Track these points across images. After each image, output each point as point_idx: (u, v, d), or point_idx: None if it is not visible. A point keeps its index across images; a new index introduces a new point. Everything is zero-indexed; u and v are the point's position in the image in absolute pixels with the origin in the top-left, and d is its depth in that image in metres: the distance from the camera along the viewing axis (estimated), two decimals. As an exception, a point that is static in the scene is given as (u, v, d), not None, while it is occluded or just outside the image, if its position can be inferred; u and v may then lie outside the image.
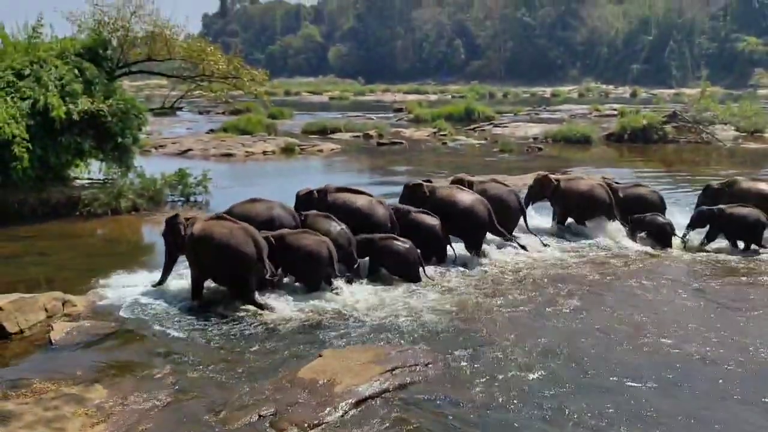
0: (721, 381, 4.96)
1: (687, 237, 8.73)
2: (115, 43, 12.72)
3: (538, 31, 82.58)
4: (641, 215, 8.84)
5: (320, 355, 5.22)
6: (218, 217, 6.80)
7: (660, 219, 8.87)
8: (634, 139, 22.02)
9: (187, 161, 15.74)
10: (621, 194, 9.27)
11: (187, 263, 6.77)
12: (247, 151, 18.89)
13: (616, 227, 9.02)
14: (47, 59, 11.15)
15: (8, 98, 10.46)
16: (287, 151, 19.43)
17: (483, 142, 22.96)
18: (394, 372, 4.97)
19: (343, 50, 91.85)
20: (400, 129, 26.24)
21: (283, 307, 6.34)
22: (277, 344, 5.59)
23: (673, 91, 57.28)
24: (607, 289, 7.15)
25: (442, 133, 24.38)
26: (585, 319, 6.22)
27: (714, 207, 8.64)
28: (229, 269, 6.39)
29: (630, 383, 4.89)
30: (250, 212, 7.31)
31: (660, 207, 9.22)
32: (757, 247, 8.41)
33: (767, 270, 7.82)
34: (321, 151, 19.79)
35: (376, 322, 6.06)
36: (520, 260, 8.12)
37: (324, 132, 24.48)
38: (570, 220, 9.51)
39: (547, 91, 62.95)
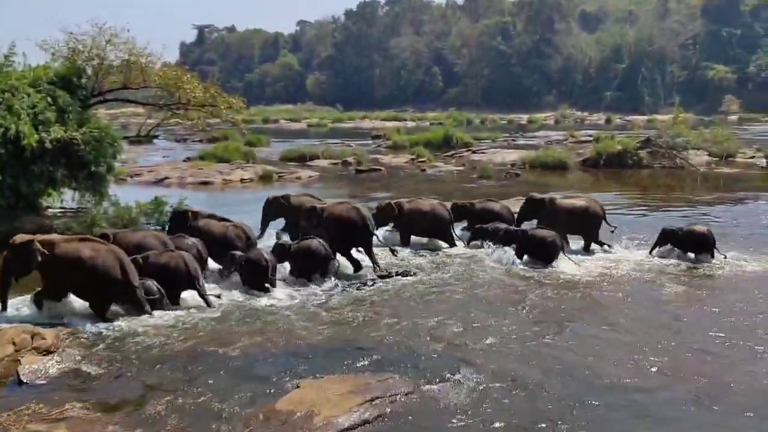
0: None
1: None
2: (89, 71, 12.61)
3: (514, 59, 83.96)
4: (484, 225, 9.84)
5: (298, 386, 5.09)
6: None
7: (501, 227, 9.74)
8: (609, 165, 22.29)
9: (164, 189, 15.57)
10: (474, 208, 10.68)
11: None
12: (224, 179, 18.75)
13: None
14: (19, 87, 11.00)
15: (-22, 127, 10.27)
16: (265, 178, 19.34)
17: (461, 168, 23.08)
18: (373, 402, 4.87)
19: (321, 78, 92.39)
20: (378, 156, 26.31)
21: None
22: (255, 373, 5.43)
23: (646, 117, 58.34)
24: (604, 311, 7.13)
25: (420, 159, 24.46)
26: (573, 344, 6.16)
27: (519, 229, 9.69)
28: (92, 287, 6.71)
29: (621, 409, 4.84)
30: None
31: (509, 219, 10.33)
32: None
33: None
34: (299, 178, 19.72)
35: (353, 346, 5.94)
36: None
37: (302, 159, 24.46)
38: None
39: (524, 117, 63.74)
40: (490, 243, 9.57)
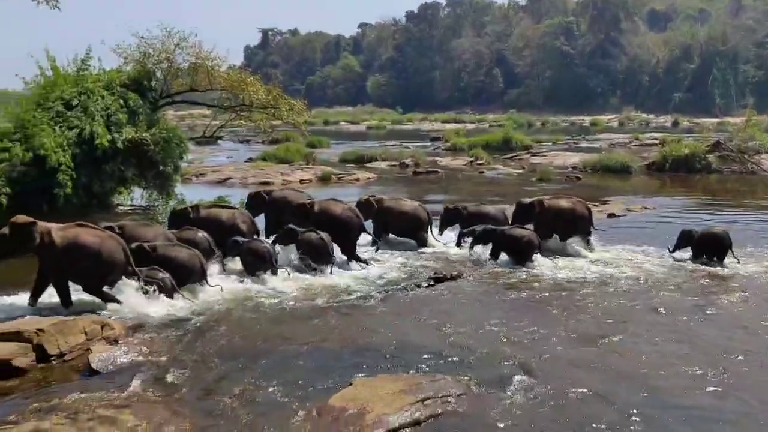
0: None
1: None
2: (159, 74, 13.19)
3: (578, 59, 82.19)
4: (473, 227, 9.88)
5: (350, 383, 5.18)
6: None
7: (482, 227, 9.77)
8: (676, 169, 21.55)
9: (227, 189, 16.03)
10: (469, 211, 10.79)
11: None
12: (284, 180, 19.14)
13: (432, 239, 10.47)
14: (94, 90, 11.60)
15: (57, 127, 10.89)
16: (324, 179, 19.64)
17: (520, 171, 22.80)
18: (425, 402, 4.89)
19: (381, 80, 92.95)
20: (436, 158, 26.30)
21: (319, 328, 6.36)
22: (308, 368, 5.57)
23: (716, 120, 56.10)
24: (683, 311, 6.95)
25: (479, 161, 24.32)
26: (629, 350, 6.03)
27: (495, 228, 9.65)
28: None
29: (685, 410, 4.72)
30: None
31: (502, 223, 10.34)
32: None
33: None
34: (357, 179, 19.94)
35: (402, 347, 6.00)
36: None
37: (361, 161, 24.70)
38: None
39: (586, 119, 62.35)
40: (469, 243, 9.71)
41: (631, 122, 60.26)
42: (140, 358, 5.78)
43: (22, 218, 6.93)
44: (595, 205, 14.11)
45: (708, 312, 7.21)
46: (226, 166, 21.65)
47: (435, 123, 58.76)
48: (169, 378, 5.38)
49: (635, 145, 32.21)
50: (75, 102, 11.32)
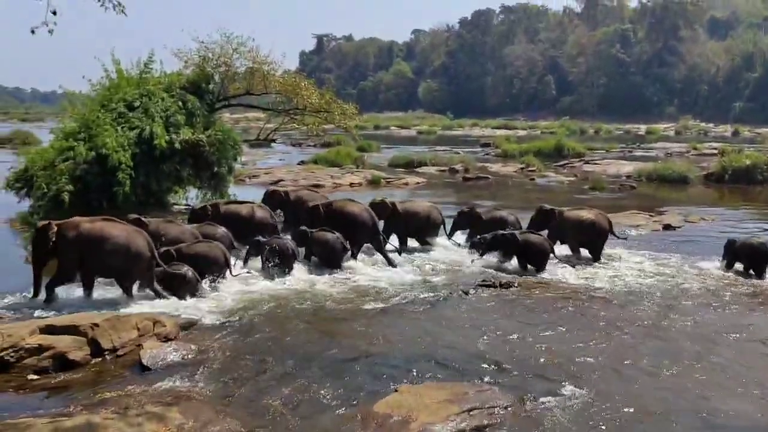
0: None
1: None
2: (217, 77, 13.48)
3: (634, 67, 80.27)
4: (486, 234, 9.71)
5: (396, 390, 5.16)
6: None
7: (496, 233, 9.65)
8: (736, 180, 20.70)
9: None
10: (484, 217, 10.84)
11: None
12: (335, 183, 19.31)
13: (445, 242, 10.75)
14: (155, 92, 11.93)
15: (119, 128, 11.25)
16: (373, 183, 19.72)
17: (572, 178, 22.38)
18: (471, 413, 4.83)
19: (433, 86, 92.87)
20: (487, 164, 26.07)
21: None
22: (355, 373, 5.58)
23: (779, 130, 53.91)
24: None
25: (530, 168, 24.01)
26: (687, 367, 5.82)
27: (508, 233, 9.57)
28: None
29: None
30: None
31: (516, 227, 10.34)
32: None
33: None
34: (406, 184, 19.94)
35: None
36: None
37: (410, 165, 24.70)
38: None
39: (642, 128, 60.72)
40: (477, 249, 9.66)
41: (688, 131, 58.43)
42: (190, 357, 5.89)
43: (40, 223, 7.51)
44: (650, 216, 13.78)
45: (748, 326, 6.90)
46: (278, 169, 21.99)
47: (486, 129, 58.32)
48: (218, 378, 5.46)
49: (693, 155, 31.23)
50: (137, 103, 11.66)
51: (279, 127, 15.66)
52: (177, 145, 11.46)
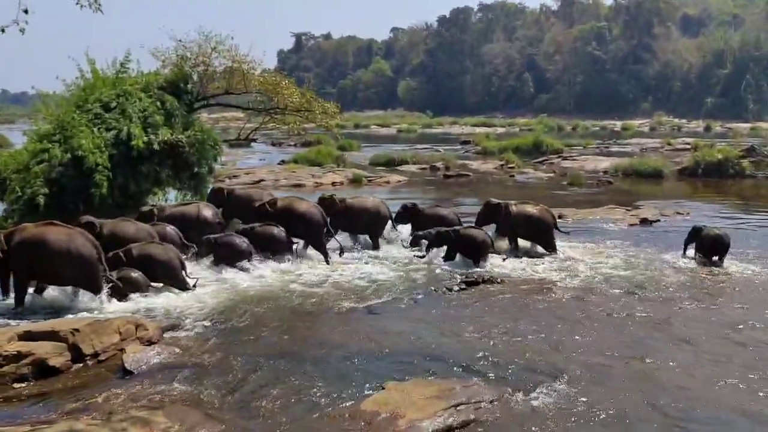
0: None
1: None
2: (195, 77, 13.31)
3: (609, 65, 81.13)
4: (428, 231, 9.83)
5: (383, 387, 5.16)
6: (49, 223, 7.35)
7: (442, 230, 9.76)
8: (708, 174, 21.08)
9: (260, 192, 16.09)
10: (422, 211, 10.87)
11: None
12: (316, 182, 19.24)
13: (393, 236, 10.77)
14: (132, 92, 11.77)
15: (95, 129, 11.08)
16: (355, 182, 19.69)
17: (551, 175, 22.57)
18: (458, 408, 4.84)
19: (412, 84, 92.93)
20: (467, 161, 26.17)
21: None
22: (341, 371, 5.57)
23: (749, 125, 54.76)
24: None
25: (509, 165, 24.15)
26: (665, 354, 5.90)
27: (449, 229, 9.73)
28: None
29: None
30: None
31: (455, 224, 10.36)
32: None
33: None
34: (388, 182, 19.94)
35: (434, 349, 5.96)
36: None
37: (391, 164, 24.71)
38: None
39: (618, 124, 61.39)
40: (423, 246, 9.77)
41: (662, 127, 59.17)
42: (173, 359, 5.83)
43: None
44: (627, 210, 13.97)
45: (725, 315, 7.02)
46: (259, 169, 21.86)
47: (465, 127, 58.49)
48: (202, 380, 5.41)
49: (667, 150, 31.66)
50: (113, 104, 11.48)
51: (259, 127, 15.54)
52: (155, 146, 11.32)
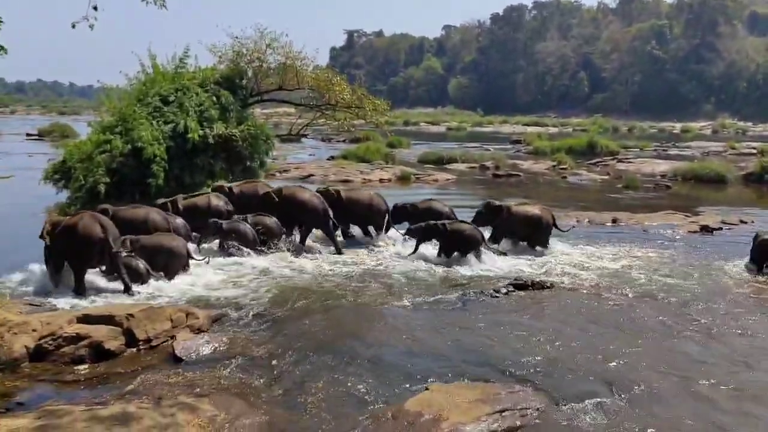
0: None
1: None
2: (250, 73, 13.56)
3: (669, 64, 78.60)
4: (419, 224, 9.83)
5: (427, 388, 5.13)
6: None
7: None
8: (775, 180, 20.21)
9: (308, 186, 16.27)
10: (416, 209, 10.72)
11: None
12: (364, 179, 19.31)
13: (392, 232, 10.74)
14: (190, 87, 12.07)
15: (154, 122, 11.42)
16: (403, 179, 19.68)
17: (605, 177, 22.01)
18: (503, 414, 4.77)
19: (463, 82, 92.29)
20: (517, 161, 25.81)
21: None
22: (385, 370, 5.57)
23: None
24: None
25: (561, 166, 23.70)
26: (719, 367, 5.68)
27: (439, 222, 9.67)
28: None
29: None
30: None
31: (452, 217, 10.37)
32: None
33: None
34: (436, 180, 19.84)
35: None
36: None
37: (440, 162, 24.59)
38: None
39: (677, 126, 59.48)
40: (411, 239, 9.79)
41: (726, 130, 56.97)
42: (222, 348, 5.94)
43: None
44: (686, 216, 13.47)
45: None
46: (308, 164, 22.10)
47: (516, 126, 57.78)
48: (249, 371, 5.49)
49: (731, 154, 30.48)
50: (171, 98, 11.82)
51: (310, 123, 15.70)
52: (210, 140, 11.59)
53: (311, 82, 13.93)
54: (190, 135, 11.32)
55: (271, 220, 9.54)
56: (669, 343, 6.43)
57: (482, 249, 9.47)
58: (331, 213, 10.02)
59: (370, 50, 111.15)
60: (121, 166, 10.89)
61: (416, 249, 9.65)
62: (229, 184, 10.52)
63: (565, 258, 9.88)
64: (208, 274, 8.26)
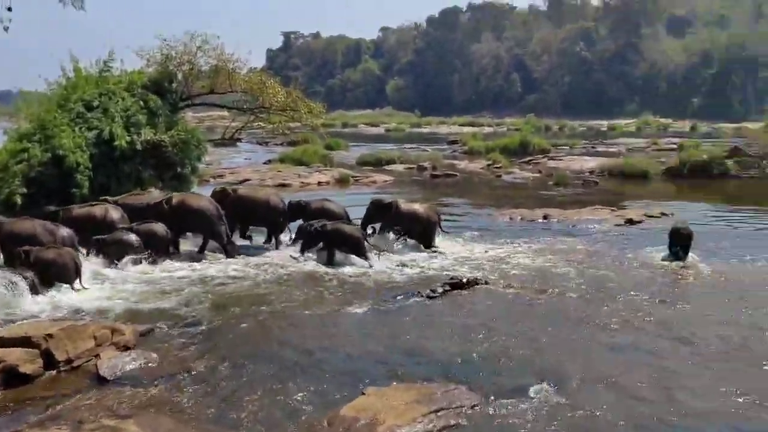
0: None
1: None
2: (180, 76, 13.17)
3: (596, 65, 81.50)
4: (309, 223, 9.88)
5: (363, 393, 5.10)
6: None
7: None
8: (694, 174, 21.13)
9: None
10: (310, 207, 10.73)
11: None
12: (302, 182, 19.14)
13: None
14: (115, 91, 11.63)
15: (77, 128, 10.94)
16: (341, 181, 19.61)
17: (537, 175, 22.60)
18: (438, 413, 4.79)
19: (400, 83, 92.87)
20: (454, 161, 26.16)
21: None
22: (319, 377, 5.50)
23: (735, 125, 55.16)
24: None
25: (496, 165, 24.16)
26: (650, 355, 5.88)
27: (325, 223, 9.72)
28: None
29: None
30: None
31: (343, 217, 10.46)
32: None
33: None
34: (374, 182, 19.87)
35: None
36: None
37: (378, 163, 24.64)
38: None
39: (604, 124, 61.65)
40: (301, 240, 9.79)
41: (649, 127, 59.45)
42: (149, 365, 5.71)
43: None
44: (613, 211, 14.01)
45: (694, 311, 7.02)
46: (244, 168, 21.70)
47: (453, 126, 58.53)
48: (179, 386, 5.31)
49: (653, 150, 31.83)
50: (95, 103, 11.35)
51: (244, 126, 15.41)
52: (138, 146, 11.20)
53: (244, 85, 13.67)
54: (116, 142, 10.90)
55: (159, 226, 9.30)
56: (599, 335, 6.62)
57: (365, 248, 9.52)
58: (222, 215, 9.81)
59: (307, 52, 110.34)
60: (40, 176, 10.39)
61: (303, 250, 9.64)
62: (114, 198, 10.14)
63: (498, 255, 10.04)
64: (128, 286, 8.01)
